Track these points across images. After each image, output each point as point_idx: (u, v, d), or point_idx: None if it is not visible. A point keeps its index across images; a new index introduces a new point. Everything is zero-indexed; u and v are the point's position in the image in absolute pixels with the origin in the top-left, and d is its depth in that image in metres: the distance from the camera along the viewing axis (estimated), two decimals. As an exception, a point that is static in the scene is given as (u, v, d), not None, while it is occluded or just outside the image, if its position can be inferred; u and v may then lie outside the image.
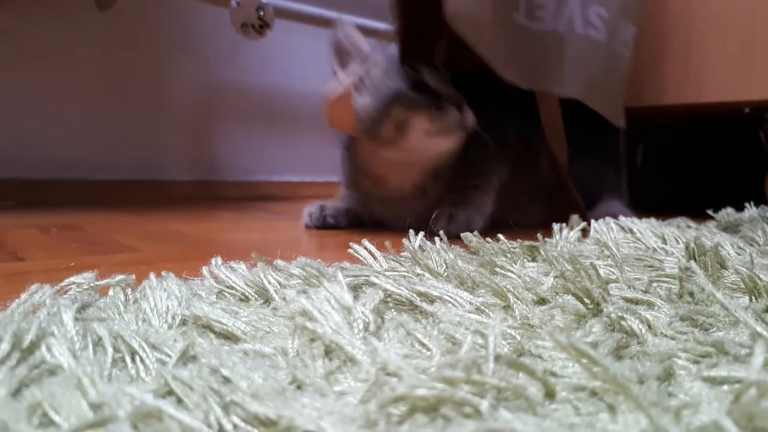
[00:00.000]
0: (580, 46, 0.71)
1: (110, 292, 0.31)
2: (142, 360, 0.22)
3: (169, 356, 0.22)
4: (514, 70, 0.67)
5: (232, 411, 0.17)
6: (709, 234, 0.55)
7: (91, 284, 0.32)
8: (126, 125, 1.16)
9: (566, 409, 0.19)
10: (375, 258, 0.40)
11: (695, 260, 0.39)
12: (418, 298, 0.30)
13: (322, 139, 1.43)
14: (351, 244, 0.42)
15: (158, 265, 0.46)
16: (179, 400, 0.18)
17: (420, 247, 0.42)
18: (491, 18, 0.64)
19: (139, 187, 1.16)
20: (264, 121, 1.34)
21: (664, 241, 0.51)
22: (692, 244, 0.40)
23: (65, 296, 0.30)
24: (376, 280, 0.31)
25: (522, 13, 0.68)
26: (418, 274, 0.36)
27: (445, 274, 0.37)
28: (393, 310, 0.30)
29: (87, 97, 1.11)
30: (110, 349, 0.22)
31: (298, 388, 0.20)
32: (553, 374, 0.22)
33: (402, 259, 0.41)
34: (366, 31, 1.36)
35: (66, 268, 0.45)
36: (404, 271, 0.37)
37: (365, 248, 0.41)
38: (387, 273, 0.36)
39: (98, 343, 0.23)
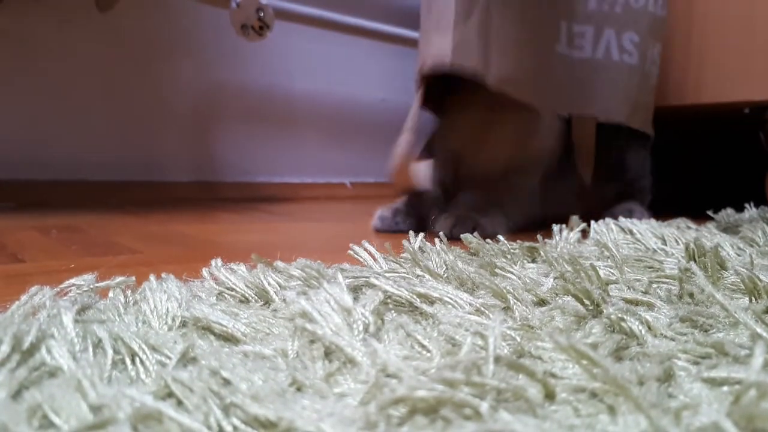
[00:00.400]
0: (618, 73, 0.78)
1: (110, 294, 0.31)
2: (142, 362, 0.22)
3: (169, 358, 0.22)
4: (554, 100, 0.73)
5: (232, 413, 0.17)
6: (709, 235, 0.55)
7: (91, 286, 0.32)
8: (126, 126, 1.16)
9: (566, 410, 0.19)
10: (375, 259, 0.40)
11: (695, 261, 0.39)
12: (418, 299, 0.30)
13: (323, 141, 1.43)
14: (351, 245, 0.42)
15: (158, 266, 0.46)
16: (179, 402, 0.18)
17: (420, 248, 0.42)
18: (533, 65, 0.71)
19: (139, 188, 1.16)
20: (264, 123, 1.34)
21: (664, 242, 0.51)
22: (692, 245, 0.40)
23: (65, 298, 0.30)
24: (376, 282, 0.31)
25: (563, 44, 0.75)
26: (418, 276, 0.36)
27: (445, 275, 0.37)
28: (393, 311, 0.30)
29: (87, 98, 1.11)
30: (110, 351, 0.22)
31: (298, 389, 0.20)
32: (553, 375, 0.22)
33: (402, 260, 0.41)
34: (365, 33, 1.36)
35: (66, 270, 0.45)
36: (404, 273, 0.37)
37: (365, 249, 0.41)
38: (387, 274, 0.36)
39: (98, 344, 0.23)
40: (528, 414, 0.18)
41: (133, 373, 0.21)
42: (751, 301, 0.32)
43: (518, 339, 0.25)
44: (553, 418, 0.18)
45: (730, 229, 0.61)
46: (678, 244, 0.51)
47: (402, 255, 0.41)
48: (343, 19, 1.29)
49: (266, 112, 1.34)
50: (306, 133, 1.40)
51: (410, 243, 0.42)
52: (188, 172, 1.24)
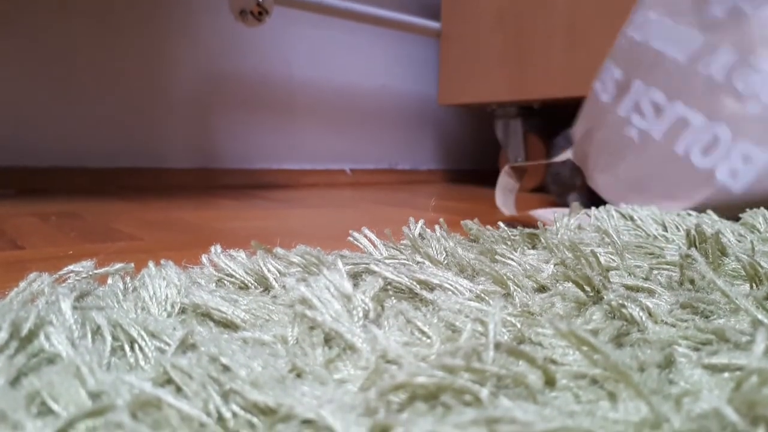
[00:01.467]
0: None
1: (109, 281, 0.31)
2: (141, 348, 0.22)
3: (168, 344, 0.22)
4: None
5: (232, 399, 0.17)
6: (709, 221, 0.55)
7: (90, 273, 0.32)
8: (125, 113, 1.15)
9: (566, 396, 0.19)
10: (375, 246, 0.40)
11: (696, 247, 0.39)
12: (418, 285, 0.30)
13: (322, 128, 1.43)
14: (351, 231, 0.41)
15: (157, 253, 0.46)
16: (178, 389, 0.18)
17: (420, 234, 0.42)
18: None
19: (138, 174, 1.16)
20: (263, 109, 1.33)
21: (665, 229, 0.51)
22: (693, 232, 0.40)
23: (64, 285, 0.30)
24: (375, 268, 0.31)
25: None
26: (418, 262, 0.36)
27: (445, 261, 0.37)
28: (393, 297, 0.30)
29: (86, 85, 1.10)
30: (109, 338, 0.22)
31: (298, 376, 0.20)
32: (554, 362, 0.22)
33: (402, 246, 0.41)
34: (365, 18, 1.35)
35: (65, 257, 0.45)
36: (404, 259, 0.37)
37: (365, 236, 0.41)
38: (387, 261, 0.36)
39: (97, 331, 0.23)
40: (528, 400, 0.18)
41: (132, 360, 0.21)
42: (751, 287, 0.32)
43: (518, 325, 0.25)
44: (553, 405, 0.18)
45: (731, 216, 0.60)
46: (679, 230, 0.50)
47: (402, 241, 0.41)
48: (343, 4, 1.27)
49: (265, 98, 1.33)
50: (305, 120, 1.40)
51: (410, 230, 0.42)
52: (187, 159, 1.24)
